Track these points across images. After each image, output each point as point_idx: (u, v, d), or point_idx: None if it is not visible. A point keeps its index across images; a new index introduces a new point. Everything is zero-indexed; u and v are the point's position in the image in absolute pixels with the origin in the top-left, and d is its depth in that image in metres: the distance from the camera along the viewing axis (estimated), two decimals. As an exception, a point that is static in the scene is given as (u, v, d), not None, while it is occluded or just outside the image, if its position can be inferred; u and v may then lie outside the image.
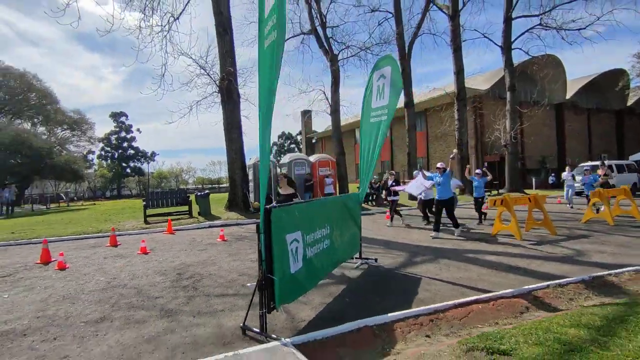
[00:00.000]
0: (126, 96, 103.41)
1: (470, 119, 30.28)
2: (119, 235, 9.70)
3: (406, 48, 17.30)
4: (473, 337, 2.99)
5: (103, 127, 78.91)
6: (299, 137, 77.56)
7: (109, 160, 53.70)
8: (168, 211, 12.87)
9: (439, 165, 8.31)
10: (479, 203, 10.08)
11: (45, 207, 27.78)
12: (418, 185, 9.19)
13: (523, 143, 32.57)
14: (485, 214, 10.29)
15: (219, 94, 13.69)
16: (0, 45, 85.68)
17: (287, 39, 18.14)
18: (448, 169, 8.11)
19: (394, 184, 10.46)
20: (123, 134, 54.50)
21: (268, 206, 3.45)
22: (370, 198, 16.56)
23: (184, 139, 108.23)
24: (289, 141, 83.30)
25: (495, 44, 22.33)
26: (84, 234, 10.16)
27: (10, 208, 19.89)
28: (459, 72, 18.90)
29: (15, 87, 34.27)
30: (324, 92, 16.67)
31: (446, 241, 7.74)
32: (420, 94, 30.23)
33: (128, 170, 54.20)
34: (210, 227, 11.10)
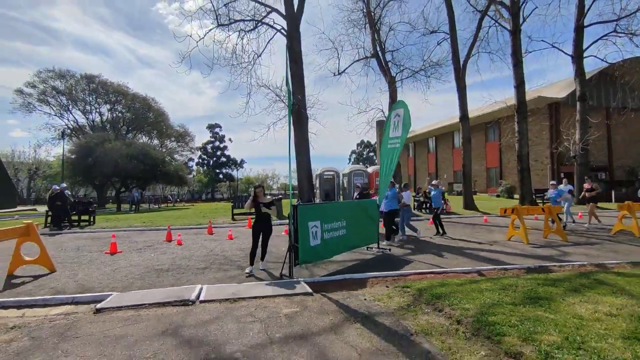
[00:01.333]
0: (220, 107, 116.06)
1: (545, 129, 29.43)
2: (214, 227, 13.03)
3: (461, 66, 18.53)
4: (412, 286, 5.05)
5: (201, 136, 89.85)
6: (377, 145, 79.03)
7: (205, 167, 61.63)
8: (250, 211, 16.19)
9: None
10: (436, 214, 10.66)
11: (157, 206, 34.20)
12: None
13: (611, 153, 30.37)
14: (441, 225, 10.63)
15: (292, 117, 16.68)
16: (126, 69, 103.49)
17: (353, 62, 20.65)
18: (395, 186, 9.41)
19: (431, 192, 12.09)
20: (217, 143, 61.88)
21: (295, 204, 5.93)
22: (424, 206, 18.08)
23: (269, 147, 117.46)
24: (367, 149, 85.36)
25: (565, 53, 22.11)
26: (190, 225, 13.80)
27: (137, 206, 25.61)
28: (519, 85, 19.39)
29: (139, 109, 42.31)
30: (382, 111, 18.73)
31: (458, 241, 9.38)
32: (484, 106, 30.27)
33: (220, 176, 61.48)
34: (279, 224, 13.97)
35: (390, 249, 8.21)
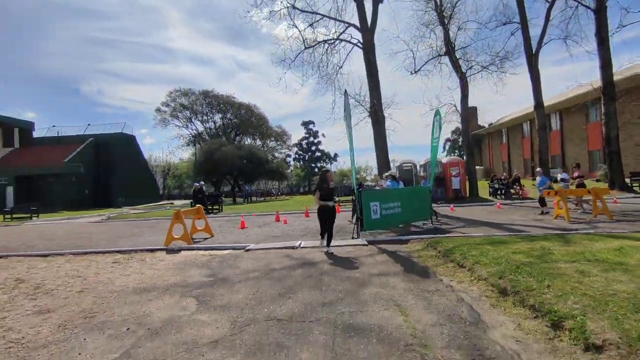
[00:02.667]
0: (312, 104, 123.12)
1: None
2: (310, 212, 16.58)
3: (533, 54, 18.94)
4: (436, 242, 7.54)
5: (296, 132, 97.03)
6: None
7: (301, 162, 67.42)
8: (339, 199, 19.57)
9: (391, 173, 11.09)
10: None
11: (262, 198, 40.07)
12: None
13: None
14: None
15: (369, 118, 19.39)
16: (228, 75, 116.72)
17: (427, 62, 22.35)
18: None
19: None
20: (311, 139, 66.80)
21: (359, 189, 8.84)
22: (499, 192, 19.19)
23: (360, 141, 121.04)
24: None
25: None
26: (291, 210, 17.63)
27: (249, 198, 31.16)
28: (606, 66, 18.95)
29: (244, 115, 49.16)
30: (455, 105, 20.21)
31: (508, 217, 11.16)
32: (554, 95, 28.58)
33: (316, 169, 66.63)
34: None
35: (440, 225, 10.54)
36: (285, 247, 7.83)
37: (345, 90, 9.92)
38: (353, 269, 5.67)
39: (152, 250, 8.42)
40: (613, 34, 19.63)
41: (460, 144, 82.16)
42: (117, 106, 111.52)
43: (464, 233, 8.77)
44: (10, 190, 32.69)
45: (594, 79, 20.81)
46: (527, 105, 39.18)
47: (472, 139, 56.75)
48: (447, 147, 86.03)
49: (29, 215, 21.07)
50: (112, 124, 40.91)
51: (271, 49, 34.72)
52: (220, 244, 8.86)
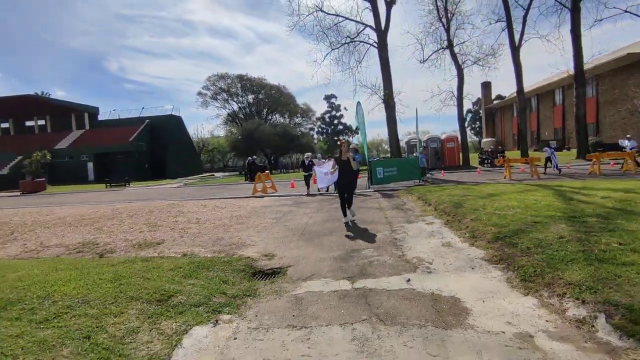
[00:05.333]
0: (335, 76, 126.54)
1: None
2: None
3: (516, 49, 23.30)
4: (411, 189, 12.99)
5: (317, 105, 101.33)
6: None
7: (324, 135, 72.38)
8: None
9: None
10: None
11: (292, 170, 46.03)
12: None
13: None
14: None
15: (383, 104, 24.46)
16: (248, 47, 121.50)
17: (430, 55, 26.89)
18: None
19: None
20: (334, 112, 70.76)
21: (370, 160, 14.41)
22: (486, 162, 24.16)
23: (378, 113, 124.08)
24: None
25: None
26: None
27: (284, 169, 37.07)
28: (577, 56, 23.06)
29: (273, 94, 54.51)
30: (452, 92, 24.92)
31: (479, 178, 16.37)
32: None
33: (338, 142, 71.58)
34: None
35: (423, 182, 15.91)
36: (299, 195, 13.55)
37: (359, 102, 15.24)
38: (364, 199, 11.32)
39: (244, 198, 14.30)
40: (591, 27, 23.53)
41: (480, 115, 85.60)
42: (141, 82, 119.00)
43: (435, 184, 14.19)
44: (90, 166, 39.93)
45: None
46: (534, 81, 42.74)
47: (487, 112, 60.26)
48: (468, 118, 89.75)
49: (123, 184, 27.71)
50: (161, 107, 47.25)
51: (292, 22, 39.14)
52: (285, 194, 14.64)
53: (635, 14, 23.84)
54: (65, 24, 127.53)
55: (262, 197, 14.26)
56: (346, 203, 7.68)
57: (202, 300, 3.63)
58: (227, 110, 52.87)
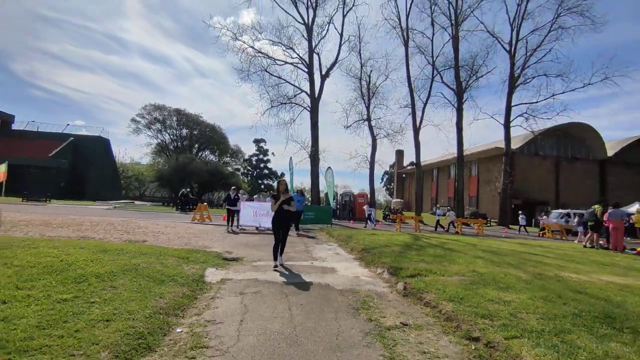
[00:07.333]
0: (266, 118, 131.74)
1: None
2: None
3: (417, 131, 30.05)
4: (327, 230, 16.88)
5: (246, 146, 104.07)
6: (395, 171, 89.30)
7: (249, 177, 74.89)
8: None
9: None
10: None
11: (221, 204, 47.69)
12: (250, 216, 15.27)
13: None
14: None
15: (309, 159, 28.93)
16: (183, 77, 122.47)
17: (352, 123, 32.62)
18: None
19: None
20: (261, 156, 74.35)
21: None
22: (388, 217, 29.53)
23: (306, 164, 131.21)
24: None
25: (500, 122, 32.81)
26: (250, 215, 26.43)
27: (211, 203, 38.91)
28: (459, 144, 30.46)
29: (207, 133, 56.75)
30: (366, 157, 30.56)
31: (376, 228, 20.98)
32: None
33: (262, 186, 74.67)
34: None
35: (332, 226, 19.99)
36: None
37: (329, 167, 19.35)
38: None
39: (187, 223, 16.81)
40: (470, 123, 31.48)
41: (396, 175, 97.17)
42: (53, 91, 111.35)
43: (341, 227, 18.31)
44: (-3, 176, 37.32)
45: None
46: (440, 154, 51.78)
47: (398, 176, 69.04)
48: (384, 179, 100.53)
49: (45, 200, 27.28)
50: (90, 126, 46.47)
51: (233, 61, 43.16)
52: (220, 224, 17.48)
53: (497, 120, 32.63)
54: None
55: (202, 223, 16.94)
56: (280, 244, 7.24)
57: (204, 261, 6.81)
58: (159, 140, 53.48)
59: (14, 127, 45.78)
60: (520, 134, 36.22)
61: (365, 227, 19.84)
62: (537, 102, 30.85)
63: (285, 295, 4.99)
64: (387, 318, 4.18)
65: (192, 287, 5.03)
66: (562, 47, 61.06)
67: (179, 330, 3.58)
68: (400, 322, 4.01)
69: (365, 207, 22.00)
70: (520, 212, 26.00)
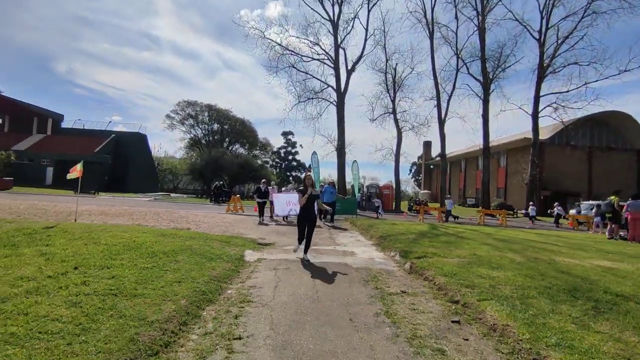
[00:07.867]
0: (294, 113, 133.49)
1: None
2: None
3: (442, 123, 30.31)
4: (351, 221, 17.91)
5: (274, 139, 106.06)
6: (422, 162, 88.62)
7: (277, 169, 76.66)
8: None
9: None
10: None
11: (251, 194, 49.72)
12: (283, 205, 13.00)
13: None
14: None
15: (336, 152, 29.92)
16: (212, 71, 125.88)
17: (377, 117, 33.23)
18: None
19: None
20: (289, 148, 75.62)
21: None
22: (413, 209, 30.12)
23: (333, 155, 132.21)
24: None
25: (527, 113, 32.42)
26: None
27: (244, 195, 40.86)
28: (485, 136, 30.46)
29: (237, 127, 58.81)
30: (392, 150, 31.16)
31: (399, 218, 21.80)
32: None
33: (290, 178, 76.35)
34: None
35: (357, 216, 20.99)
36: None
37: (355, 161, 20.34)
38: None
39: (221, 214, 18.30)
40: (497, 114, 31.40)
41: (423, 168, 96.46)
42: (92, 89, 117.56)
43: (365, 217, 19.28)
44: (50, 171, 40.78)
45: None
46: (467, 145, 51.33)
47: (426, 167, 68.80)
48: (413, 170, 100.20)
49: (93, 192, 29.88)
50: (129, 123, 49.44)
51: (260, 54, 44.39)
52: (252, 214, 18.88)
53: (525, 111, 32.26)
54: (9, 14, 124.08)
55: (235, 214, 18.41)
56: (304, 239, 7.12)
57: (243, 245, 8.06)
58: (191, 135, 56.04)
59: (63, 125, 49.46)
60: (550, 123, 35.51)
61: (377, 217, 20.61)
62: (567, 91, 30.22)
63: (310, 270, 6.12)
64: (390, 287, 5.22)
65: (235, 264, 6.24)
66: (596, 33, 58.62)
67: (229, 291, 4.77)
68: (401, 290, 5.04)
69: (375, 200, 22.92)
70: (556, 203, 25.59)
